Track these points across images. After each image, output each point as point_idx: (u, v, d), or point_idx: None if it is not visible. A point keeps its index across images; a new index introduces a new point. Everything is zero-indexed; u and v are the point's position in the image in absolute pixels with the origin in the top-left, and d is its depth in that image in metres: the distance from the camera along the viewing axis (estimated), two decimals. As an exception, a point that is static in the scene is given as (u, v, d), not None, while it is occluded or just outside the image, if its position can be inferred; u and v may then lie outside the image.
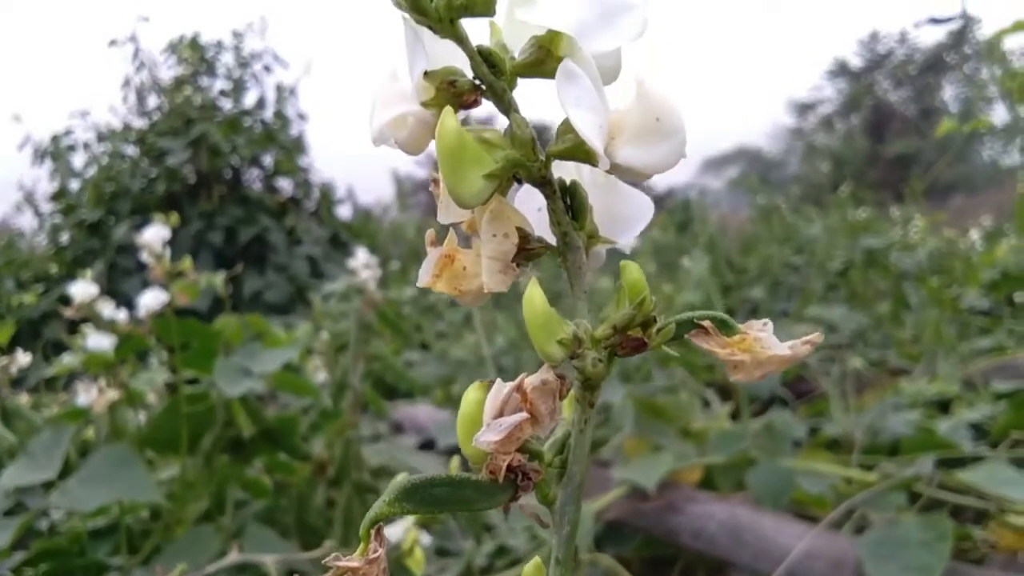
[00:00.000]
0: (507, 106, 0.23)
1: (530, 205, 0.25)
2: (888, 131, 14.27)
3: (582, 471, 0.23)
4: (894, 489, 0.86)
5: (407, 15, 0.22)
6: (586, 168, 0.25)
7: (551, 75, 0.22)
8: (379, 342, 1.74)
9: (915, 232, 3.52)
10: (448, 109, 0.22)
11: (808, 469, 0.97)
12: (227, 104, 4.67)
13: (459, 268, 0.24)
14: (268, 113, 4.70)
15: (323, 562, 0.21)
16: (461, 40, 0.23)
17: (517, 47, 0.24)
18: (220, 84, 4.74)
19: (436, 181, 0.24)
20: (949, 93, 15.57)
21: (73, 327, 1.17)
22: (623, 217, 0.26)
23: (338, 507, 1.19)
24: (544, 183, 0.24)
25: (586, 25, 0.22)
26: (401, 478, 0.22)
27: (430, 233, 0.25)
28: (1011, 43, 1.08)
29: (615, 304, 0.23)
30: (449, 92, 0.23)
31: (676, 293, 2.60)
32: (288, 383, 1.07)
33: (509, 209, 0.24)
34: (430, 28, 0.23)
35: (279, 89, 4.70)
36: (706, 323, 0.23)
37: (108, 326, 1.06)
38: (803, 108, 17.88)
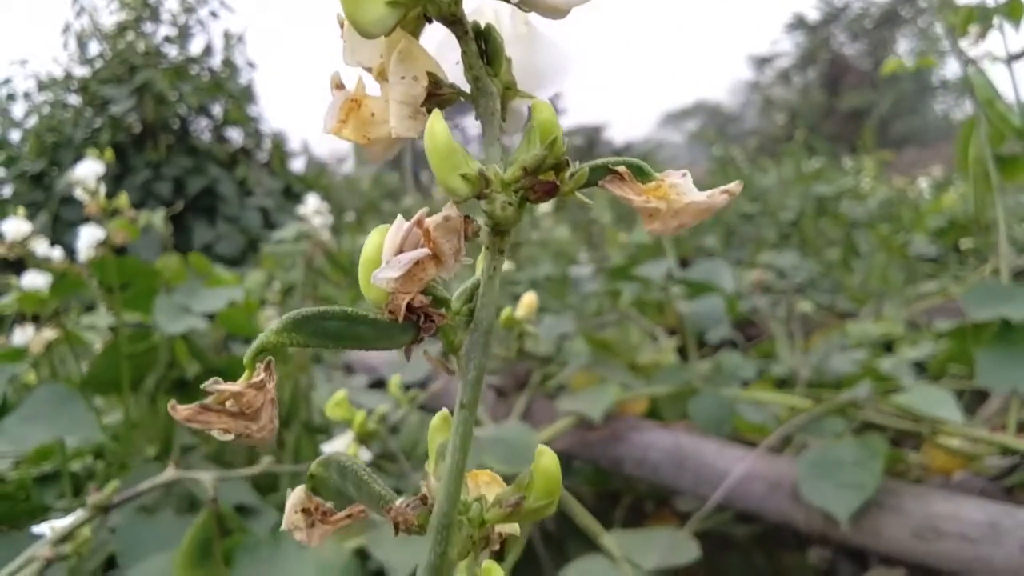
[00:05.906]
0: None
1: (447, 56, 0.24)
2: (843, 85, 14.41)
3: (489, 317, 0.22)
4: (832, 414, 0.87)
5: None
6: (505, 18, 0.24)
7: None
8: (331, 288, 1.72)
9: (866, 182, 3.58)
10: None
11: (751, 398, 0.98)
12: (172, 51, 4.52)
13: (367, 114, 0.23)
14: (216, 61, 4.56)
15: (202, 386, 0.20)
16: None
17: None
18: (164, 30, 4.59)
19: (343, 23, 0.22)
20: (903, 47, 15.76)
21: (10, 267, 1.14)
22: (543, 70, 0.24)
23: (287, 448, 1.19)
24: (455, 22, 0.22)
25: None
26: (293, 312, 0.21)
27: (335, 75, 0.23)
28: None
29: (525, 145, 0.22)
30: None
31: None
32: (232, 322, 1.05)
33: (419, 50, 0.22)
34: None
35: (227, 36, 4.56)
36: (621, 168, 0.22)
37: (43, 264, 1.02)
38: (761, 62, 17.93)
